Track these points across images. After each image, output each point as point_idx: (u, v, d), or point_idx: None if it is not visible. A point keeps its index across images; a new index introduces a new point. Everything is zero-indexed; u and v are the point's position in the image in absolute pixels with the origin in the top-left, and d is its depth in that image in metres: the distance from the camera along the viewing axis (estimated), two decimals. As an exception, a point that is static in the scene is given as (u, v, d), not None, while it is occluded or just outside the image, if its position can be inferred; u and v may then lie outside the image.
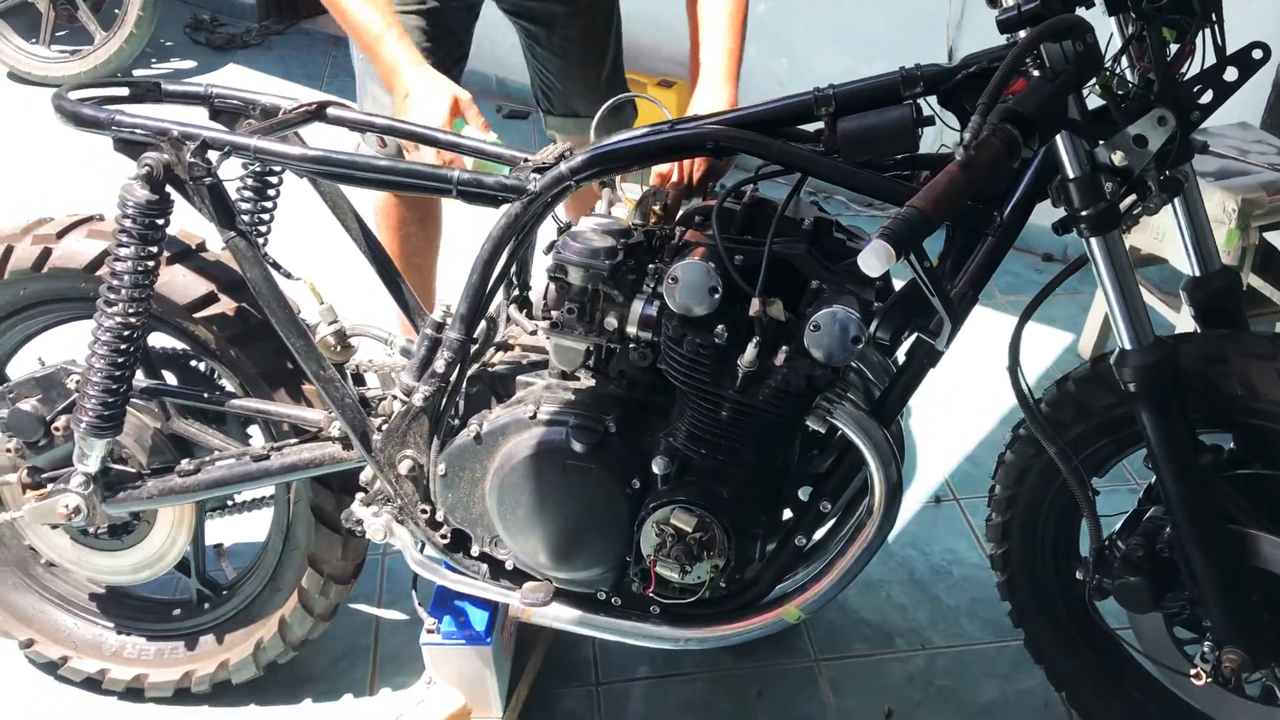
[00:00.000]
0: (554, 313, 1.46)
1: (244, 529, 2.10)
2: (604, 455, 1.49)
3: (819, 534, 1.59)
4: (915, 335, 1.39)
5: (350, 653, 2.05)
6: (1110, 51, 1.33)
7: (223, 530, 2.05)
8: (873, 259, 1.09)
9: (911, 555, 2.26)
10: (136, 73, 4.72)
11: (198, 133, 1.53)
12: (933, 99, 1.38)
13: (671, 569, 1.48)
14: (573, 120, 2.24)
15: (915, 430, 2.59)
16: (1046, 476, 1.64)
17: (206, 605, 1.95)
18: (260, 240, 1.80)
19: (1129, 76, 1.38)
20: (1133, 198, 1.37)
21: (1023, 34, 1.25)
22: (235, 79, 4.69)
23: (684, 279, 1.37)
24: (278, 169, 1.74)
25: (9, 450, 1.77)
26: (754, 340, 1.37)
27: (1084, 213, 1.33)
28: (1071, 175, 1.32)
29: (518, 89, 4.04)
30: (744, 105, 1.55)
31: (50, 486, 1.75)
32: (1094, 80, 1.31)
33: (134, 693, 1.95)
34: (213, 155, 1.54)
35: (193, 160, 1.51)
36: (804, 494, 1.56)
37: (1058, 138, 1.31)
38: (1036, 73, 1.28)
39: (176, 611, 1.97)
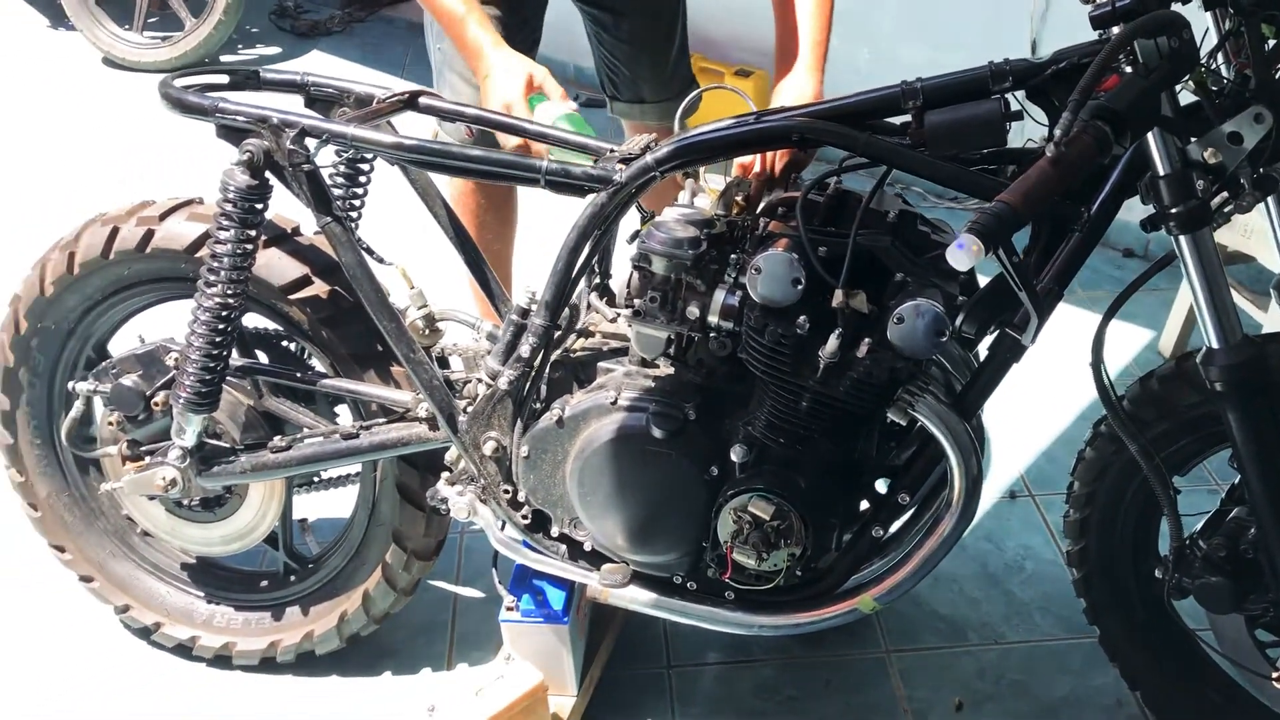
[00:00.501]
0: (637, 301, 1.49)
1: (326, 505, 2.16)
2: (683, 442, 1.51)
3: (896, 525, 1.59)
4: (999, 330, 1.39)
5: (429, 628, 2.11)
6: (1206, 46, 1.32)
7: (306, 506, 2.12)
8: (961, 254, 1.10)
9: (985, 549, 2.25)
10: (224, 58, 4.85)
11: (297, 120, 1.58)
12: (1021, 94, 1.38)
13: (748, 556, 1.50)
14: (639, 106, 2.26)
15: (990, 424, 2.56)
16: (1126, 474, 1.63)
17: (293, 578, 2.01)
18: (353, 225, 1.86)
19: (1224, 72, 1.37)
20: (1224, 195, 1.36)
21: (1116, 30, 1.25)
22: (318, 65, 4.79)
23: (767, 269, 1.39)
24: (369, 156, 1.79)
25: (110, 424, 1.84)
26: (836, 331, 1.38)
27: (1174, 210, 1.32)
28: (1162, 172, 1.31)
29: (592, 77, 4.07)
30: (829, 97, 1.56)
31: (148, 459, 1.82)
32: (1188, 76, 1.30)
33: (222, 660, 2.03)
34: (310, 142, 1.59)
35: (292, 147, 1.56)
36: (882, 485, 1.57)
37: (1149, 134, 1.30)
38: (1129, 69, 1.27)
39: (264, 583, 2.03)
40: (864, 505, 1.58)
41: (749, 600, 1.61)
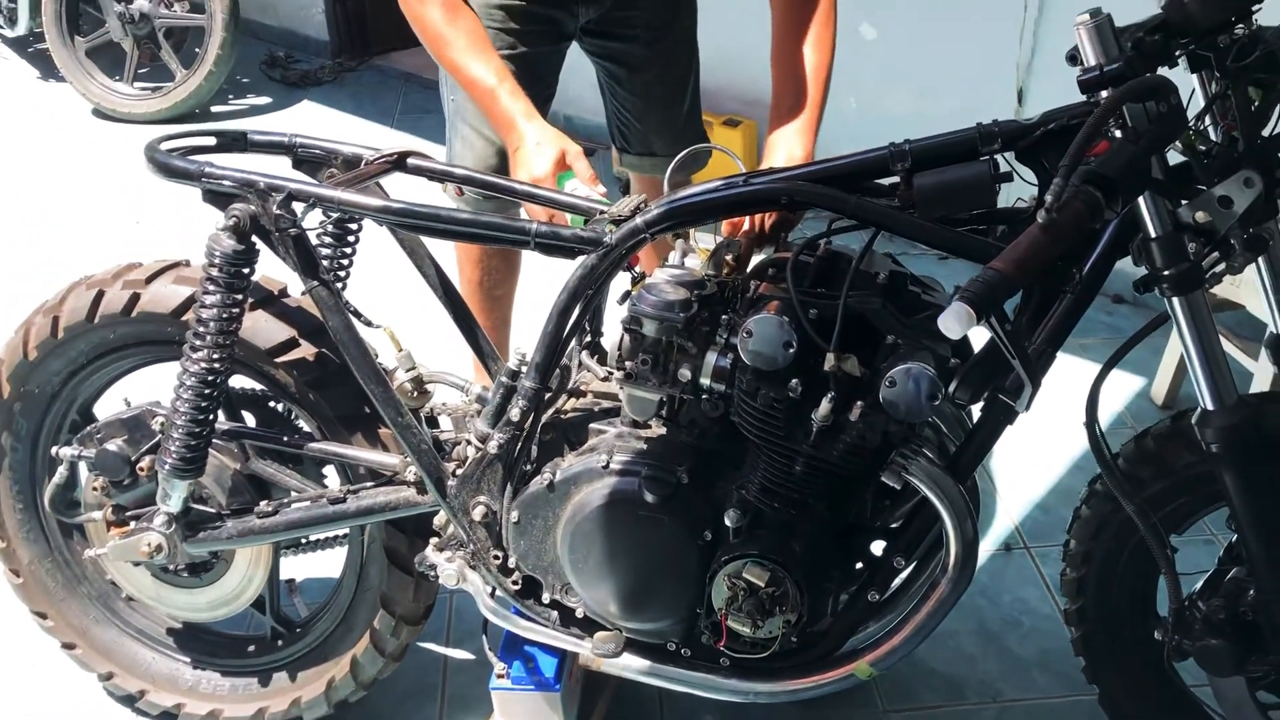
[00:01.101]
0: (628, 363, 1.48)
1: (314, 565, 2.13)
2: (676, 506, 1.49)
3: (892, 587, 1.57)
4: (993, 394, 1.38)
5: (418, 692, 2.07)
6: (1193, 109, 1.32)
7: (294, 566, 2.09)
8: (953, 322, 1.09)
9: (981, 604, 2.23)
10: (214, 109, 4.87)
11: (284, 185, 1.57)
12: (1010, 155, 1.38)
13: (743, 623, 1.48)
14: (649, 159, 2.27)
15: (984, 476, 2.56)
16: (1123, 532, 1.61)
17: (280, 642, 1.98)
18: (339, 286, 1.84)
19: (1213, 134, 1.37)
20: (1215, 255, 1.36)
21: (1104, 94, 1.25)
22: (309, 115, 4.81)
23: (758, 332, 1.38)
24: (357, 218, 1.78)
25: (95, 488, 1.82)
26: (828, 395, 1.37)
27: (1166, 272, 1.31)
28: (1154, 235, 1.31)
29: (584, 126, 4.08)
30: (818, 159, 1.56)
31: (134, 524, 1.79)
32: (1177, 139, 1.30)
33: (208, 727, 1.99)
34: (298, 206, 1.58)
35: (279, 212, 1.55)
36: (877, 547, 1.56)
37: (1140, 197, 1.30)
38: (1118, 132, 1.27)
39: (251, 648, 2.00)
40: (859, 567, 1.56)
41: (744, 667, 1.58)
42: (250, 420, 1.93)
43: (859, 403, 1.38)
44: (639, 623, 1.59)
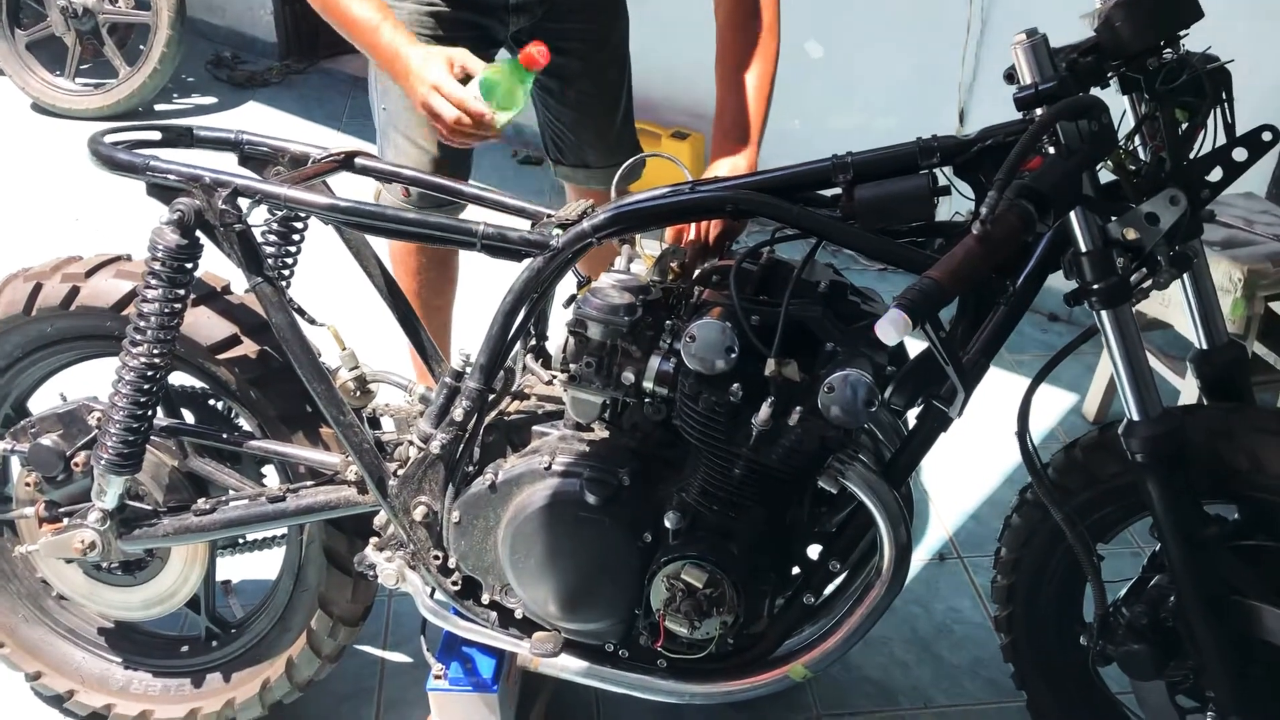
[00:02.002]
0: (573, 366, 1.49)
1: (250, 567, 2.11)
2: (617, 508, 1.51)
3: (827, 591, 1.60)
4: (926, 401, 1.42)
5: (355, 695, 2.06)
6: (1124, 129, 1.37)
7: (230, 568, 2.07)
8: (890, 328, 1.12)
9: (914, 612, 2.27)
10: (158, 108, 4.80)
11: (230, 180, 1.57)
12: (949, 169, 1.42)
13: (681, 624, 1.50)
14: (583, 171, 2.28)
15: (919, 487, 2.60)
16: (1052, 540, 1.65)
17: (215, 643, 1.96)
18: (284, 284, 1.84)
19: (1141, 154, 1.42)
20: (1143, 272, 1.41)
21: (1039, 112, 1.29)
22: (255, 116, 4.77)
23: (701, 337, 1.40)
24: (303, 216, 1.78)
25: (28, 484, 1.79)
26: (768, 400, 1.40)
27: (1095, 286, 1.36)
28: (1084, 249, 1.35)
29: (535, 134, 4.09)
30: (763, 169, 1.59)
31: (67, 521, 1.77)
32: (1107, 157, 1.35)
33: (139, 728, 1.96)
34: (243, 202, 1.57)
35: (224, 207, 1.54)
36: (813, 551, 1.58)
37: (1071, 212, 1.34)
38: (1051, 149, 1.32)
39: (185, 648, 1.97)
40: (796, 570, 1.58)
41: (681, 668, 1.60)
42: (189, 417, 1.91)
43: (798, 408, 1.40)
44: (578, 623, 1.60)
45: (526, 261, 1.52)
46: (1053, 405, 2.93)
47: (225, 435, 1.77)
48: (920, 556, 2.41)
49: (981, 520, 2.53)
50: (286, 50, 5.36)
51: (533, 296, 1.53)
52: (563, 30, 2.08)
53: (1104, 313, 1.38)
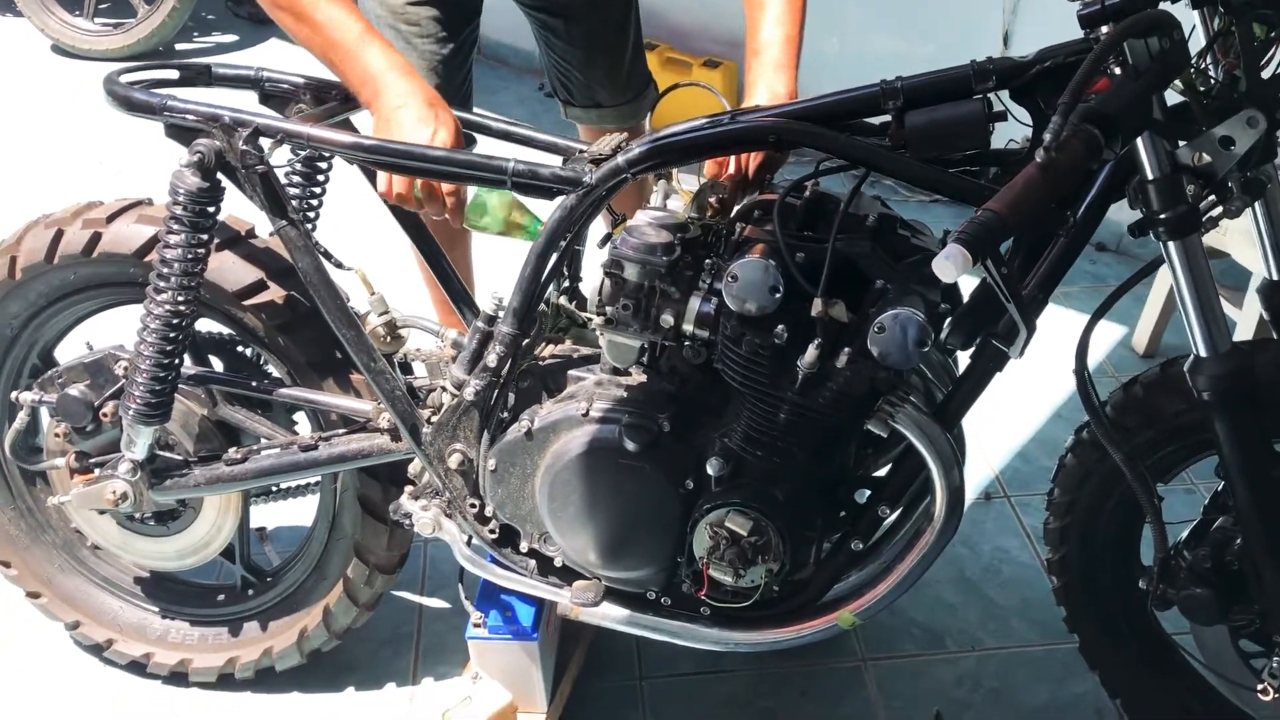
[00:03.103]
0: (609, 308, 1.43)
1: (286, 514, 2.09)
2: (657, 455, 1.46)
3: (876, 535, 1.55)
4: (984, 339, 1.35)
5: (393, 640, 2.04)
6: (1194, 46, 1.28)
7: (265, 514, 2.05)
8: (948, 265, 1.05)
9: (961, 553, 2.22)
10: (178, 46, 4.73)
11: (250, 119, 1.50)
12: (1005, 94, 1.34)
13: (725, 572, 1.45)
14: (595, 111, 2.21)
15: (965, 424, 2.53)
16: (1109, 482, 1.59)
17: (251, 591, 1.94)
18: (309, 227, 1.78)
19: (1213, 73, 1.33)
20: (1213, 199, 1.33)
21: (1105, 30, 1.21)
22: (275, 53, 4.68)
23: (743, 277, 1.34)
24: (327, 155, 1.72)
25: (57, 435, 1.76)
26: (815, 341, 1.33)
27: (1163, 216, 1.28)
28: (1151, 177, 1.27)
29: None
30: (805, 97, 1.51)
31: (98, 472, 1.74)
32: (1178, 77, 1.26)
33: (178, 677, 1.95)
34: (265, 142, 1.51)
35: (245, 148, 1.48)
36: (862, 495, 1.53)
37: (1138, 137, 1.26)
38: (1118, 70, 1.23)
39: (221, 597, 1.96)
40: (843, 515, 1.53)
41: (725, 616, 1.56)
42: (218, 365, 1.87)
43: (846, 349, 1.34)
44: (619, 572, 1.56)
45: (559, 200, 1.46)
46: (1102, 338, 2.84)
47: (254, 383, 1.73)
48: (967, 495, 2.34)
49: (1029, 458, 2.46)
50: (307, -15, 5.25)
51: (566, 236, 1.47)
52: None
53: (1172, 244, 1.30)
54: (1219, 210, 1.33)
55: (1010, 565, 2.20)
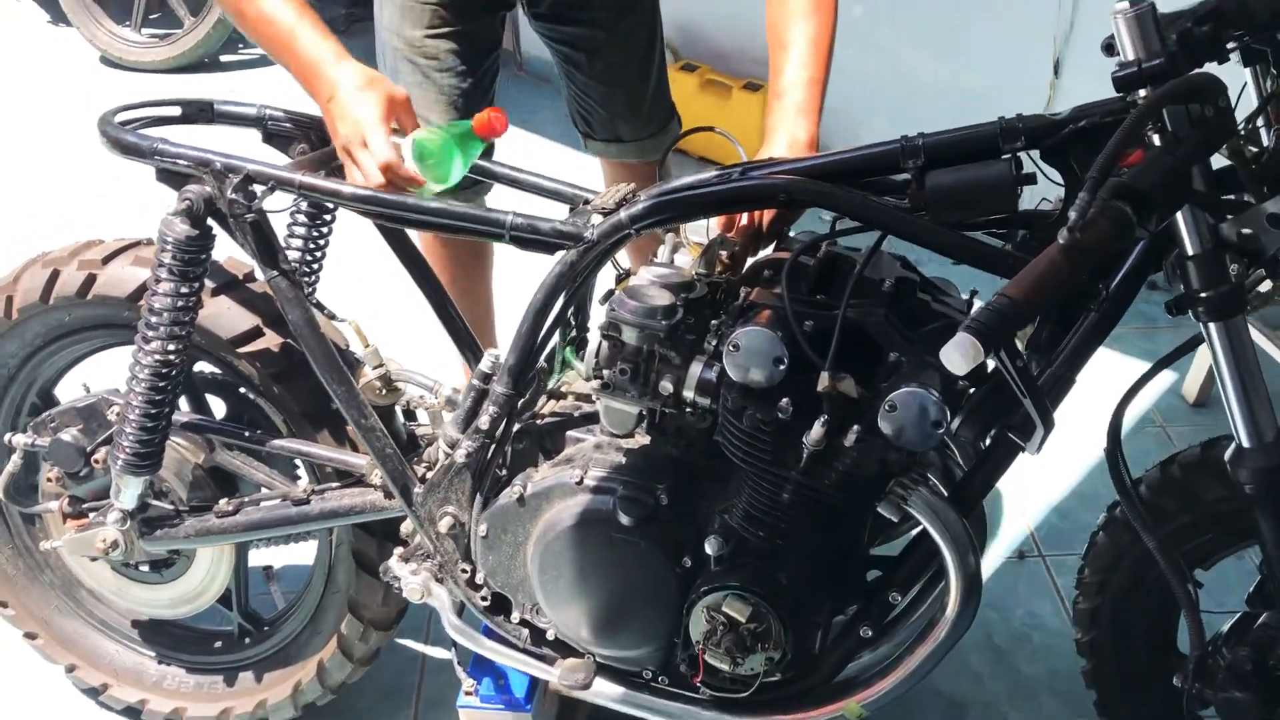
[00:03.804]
0: (606, 372, 1.36)
1: (295, 552, 2.03)
2: (653, 529, 1.38)
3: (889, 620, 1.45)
4: (1001, 430, 1.25)
5: (394, 693, 1.98)
6: (1244, 107, 1.17)
7: (273, 554, 1.99)
8: (957, 356, 0.97)
9: (990, 617, 2.11)
10: (223, 58, 4.72)
11: (241, 165, 1.45)
12: (1035, 153, 1.24)
13: (722, 659, 1.37)
14: (615, 145, 2.13)
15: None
16: (1143, 564, 1.48)
17: (248, 640, 1.89)
18: (314, 271, 1.73)
19: (1265, 137, 1.22)
20: (1260, 273, 1.22)
21: (1142, 94, 1.11)
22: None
23: (746, 346, 1.25)
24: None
25: (49, 479, 1.72)
26: (821, 418, 1.24)
27: (1203, 295, 1.17)
28: (1191, 252, 1.17)
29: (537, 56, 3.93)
30: (823, 152, 1.43)
31: (90, 518, 1.70)
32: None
33: (173, 725, 1.91)
34: (257, 189, 1.46)
35: (233, 196, 1.43)
36: (873, 576, 1.44)
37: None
38: (1156, 137, 1.13)
39: (217, 644, 1.91)
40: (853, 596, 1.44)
41: (725, 699, 1.47)
42: (220, 406, 1.82)
43: (855, 427, 1.25)
44: (612, 649, 1.48)
45: (559, 254, 1.38)
46: (1150, 384, 2.70)
47: (248, 433, 1.67)
48: (998, 554, 2.24)
49: (1067, 514, 2.34)
50: (354, -1, 5.24)
51: (566, 292, 1.40)
52: (585, 0, 1.92)
53: (1212, 325, 1.19)
54: (1269, 285, 1.22)
55: (1041, 632, 2.08)
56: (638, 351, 1.34)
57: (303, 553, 2.00)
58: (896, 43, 3.36)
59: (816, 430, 1.25)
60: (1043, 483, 2.41)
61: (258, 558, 2.01)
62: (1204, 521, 1.39)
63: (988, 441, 1.28)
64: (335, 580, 1.73)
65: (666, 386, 1.33)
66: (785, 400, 1.26)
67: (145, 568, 1.79)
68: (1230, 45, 1.14)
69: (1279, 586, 1.28)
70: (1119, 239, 1.00)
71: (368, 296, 1.75)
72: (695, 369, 1.33)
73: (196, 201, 1.45)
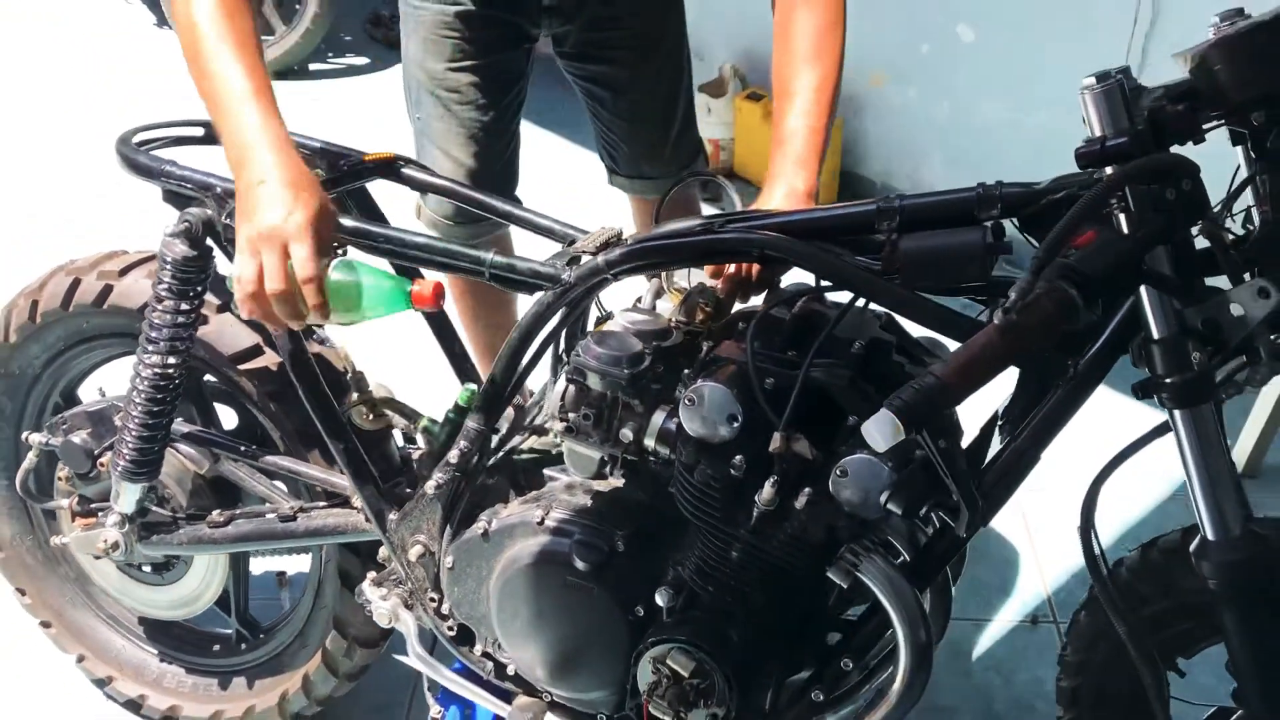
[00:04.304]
0: (570, 415, 1.36)
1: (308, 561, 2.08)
2: (607, 576, 1.37)
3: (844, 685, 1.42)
4: (935, 509, 1.22)
5: (386, 708, 2.01)
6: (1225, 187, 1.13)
7: (289, 562, 2.03)
8: (877, 433, 0.95)
9: (992, 682, 2.05)
10: (312, 67, 4.86)
11: (239, 191, 1.49)
12: (1014, 222, 1.21)
13: (665, 712, 1.36)
14: (639, 182, 2.13)
15: (1014, 532, 2.36)
16: (1123, 647, 1.42)
17: (244, 646, 1.94)
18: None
19: (1252, 218, 1.17)
20: (1241, 360, 1.17)
21: (1109, 171, 1.07)
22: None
23: (701, 401, 1.24)
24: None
25: (60, 478, 1.79)
26: (771, 479, 1.23)
27: (1167, 380, 1.13)
28: (1155, 336, 1.12)
29: None
30: (808, 208, 1.42)
31: (97, 518, 1.76)
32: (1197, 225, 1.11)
33: (169, 721, 1.97)
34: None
35: (228, 222, 1.47)
36: (832, 637, 1.41)
37: (1143, 290, 1.12)
38: (1122, 217, 1.09)
39: (216, 647, 1.97)
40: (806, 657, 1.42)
41: (680, 750, 1.45)
42: (230, 415, 1.88)
43: (807, 490, 1.23)
44: (566, 691, 1.48)
45: (536, 296, 1.40)
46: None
47: (243, 447, 1.72)
48: (1009, 617, 2.18)
49: (1087, 580, 2.24)
50: (444, 10, 5.33)
51: (542, 333, 1.41)
52: (610, 39, 1.92)
53: (1177, 413, 1.15)
54: (1244, 374, 1.17)
55: (1045, 701, 2.02)
56: (601, 398, 1.34)
57: (316, 562, 2.05)
58: (960, 80, 3.30)
59: (767, 490, 1.23)
60: (1064, 541, 2.34)
61: (273, 565, 2.07)
62: (1180, 611, 1.34)
63: (922, 517, 1.25)
64: (323, 596, 1.77)
65: (627, 434, 1.33)
66: (739, 458, 1.25)
67: (147, 569, 1.85)
68: (1207, 126, 1.09)
69: (1245, 685, 1.22)
70: (1063, 320, 0.97)
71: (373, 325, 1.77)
72: (658, 418, 1.32)
73: (195, 224, 1.49)
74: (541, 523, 1.41)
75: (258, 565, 2.21)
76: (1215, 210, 1.12)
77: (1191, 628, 1.36)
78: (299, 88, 4.68)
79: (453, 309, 1.97)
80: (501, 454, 1.53)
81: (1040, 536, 2.36)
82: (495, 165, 1.98)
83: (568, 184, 3.50)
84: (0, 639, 2.16)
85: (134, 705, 1.99)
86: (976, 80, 3.28)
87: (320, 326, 1.44)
